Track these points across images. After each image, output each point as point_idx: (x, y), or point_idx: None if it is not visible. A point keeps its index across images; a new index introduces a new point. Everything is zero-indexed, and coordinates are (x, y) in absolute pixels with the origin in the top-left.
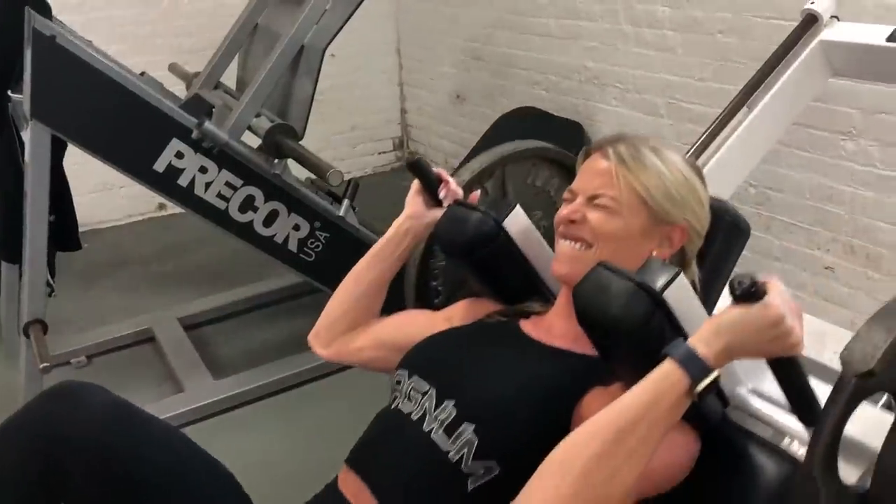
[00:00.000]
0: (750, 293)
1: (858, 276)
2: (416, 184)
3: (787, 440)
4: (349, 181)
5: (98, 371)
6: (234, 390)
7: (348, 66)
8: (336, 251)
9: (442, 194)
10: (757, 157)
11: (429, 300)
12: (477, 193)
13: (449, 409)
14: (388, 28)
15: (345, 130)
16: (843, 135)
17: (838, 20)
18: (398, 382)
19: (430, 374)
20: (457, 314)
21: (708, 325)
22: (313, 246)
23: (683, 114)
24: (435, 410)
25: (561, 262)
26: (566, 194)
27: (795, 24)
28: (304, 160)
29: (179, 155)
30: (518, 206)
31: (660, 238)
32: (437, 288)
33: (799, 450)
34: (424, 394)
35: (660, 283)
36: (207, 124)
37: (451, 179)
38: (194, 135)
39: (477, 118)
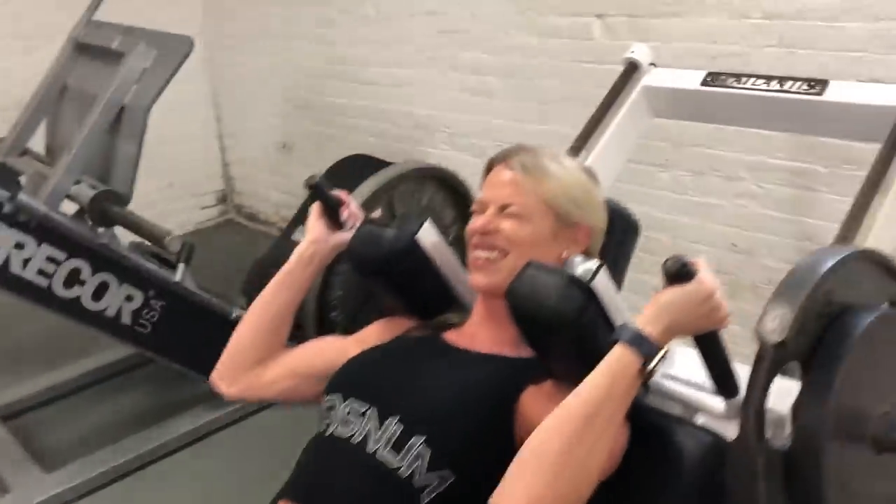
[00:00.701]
0: (683, 272)
1: None
2: (315, 207)
3: (698, 415)
4: (183, 243)
5: None
6: (70, 483)
7: (161, 121)
8: (174, 319)
9: (344, 216)
10: None
11: (329, 332)
12: (378, 212)
13: (394, 426)
14: (200, 80)
15: (162, 187)
16: (658, 166)
17: (655, 66)
18: (330, 408)
19: (366, 393)
20: (371, 335)
21: (649, 307)
22: (149, 316)
23: None
24: (379, 430)
25: (479, 272)
26: (475, 206)
27: (610, 66)
28: (138, 227)
29: None
30: (429, 221)
31: (567, 240)
32: (335, 318)
33: (710, 422)
34: (363, 414)
35: (587, 275)
36: (21, 196)
37: (351, 200)
38: (6, 209)
39: (306, 167)
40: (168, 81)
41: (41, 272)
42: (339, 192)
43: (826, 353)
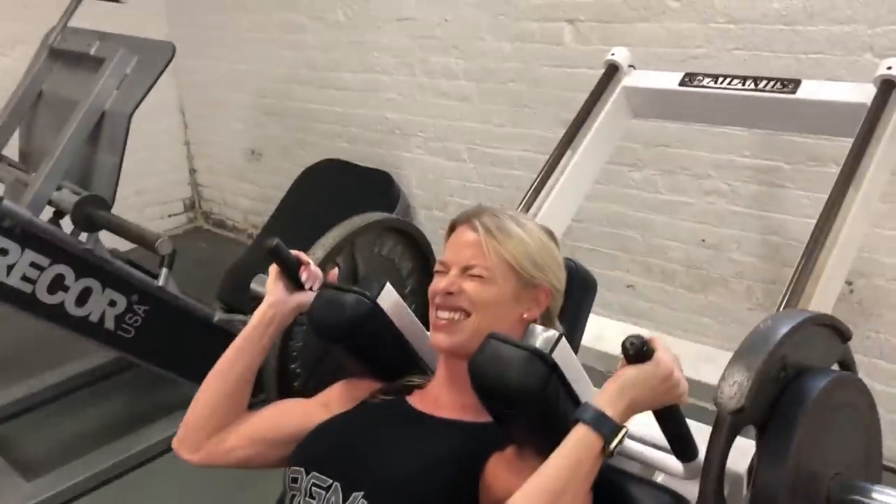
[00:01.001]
0: (642, 353)
1: (657, 290)
2: (274, 269)
3: (657, 474)
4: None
5: None
6: (52, 490)
7: None
8: (157, 324)
9: (304, 277)
10: (582, 194)
11: (289, 384)
12: (336, 272)
13: (359, 502)
14: (167, 86)
15: (129, 195)
16: (629, 166)
17: (634, 69)
18: (294, 480)
19: (330, 467)
20: (334, 399)
21: (609, 386)
22: (132, 321)
23: (485, 158)
24: None
25: (441, 332)
26: (438, 266)
27: (581, 70)
28: (125, 231)
29: None
30: (388, 283)
31: (528, 301)
32: (295, 370)
33: (670, 482)
34: (328, 489)
35: (548, 347)
36: (6, 202)
37: (310, 261)
38: None
39: (276, 173)
40: (150, 87)
41: (25, 278)
42: (297, 254)
43: (782, 417)
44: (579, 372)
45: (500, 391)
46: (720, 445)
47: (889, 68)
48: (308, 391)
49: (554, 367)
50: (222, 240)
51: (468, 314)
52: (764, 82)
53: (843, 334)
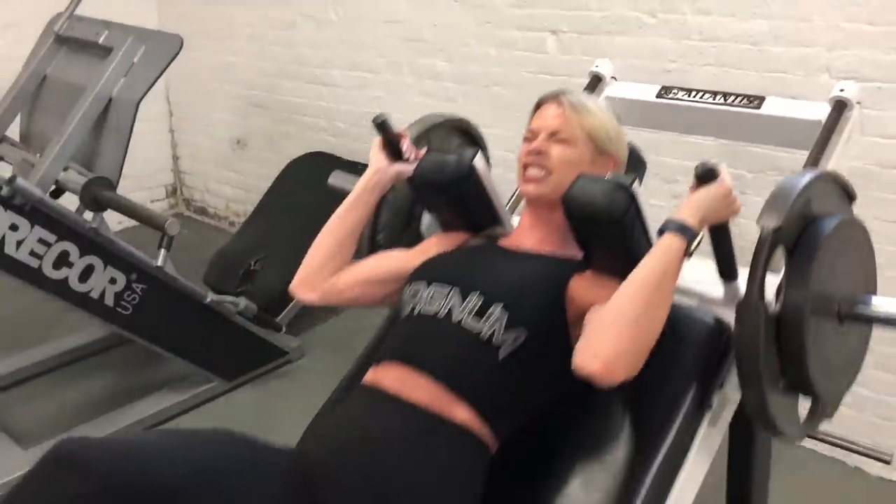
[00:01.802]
0: (709, 175)
1: None
2: (378, 141)
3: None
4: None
5: None
6: None
7: None
8: (154, 303)
9: (404, 147)
10: None
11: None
12: (425, 150)
13: (475, 299)
14: None
15: None
16: None
17: (616, 80)
18: (415, 294)
19: (449, 279)
20: (432, 245)
21: (687, 204)
22: (130, 299)
23: None
24: (462, 304)
25: (530, 184)
26: (527, 134)
27: (562, 78)
28: (133, 212)
29: None
30: (479, 152)
31: (601, 167)
32: (380, 241)
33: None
34: (447, 295)
35: (628, 182)
36: (19, 180)
37: (407, 136)
38: (4, 191)
39: (261, 164)
40: (158, 77)
41: (33, 253)
42: (399, 129)
43: (806, 244)
44: (644, 208)
45: (591, 214)
46: (764, 253)
47: (842, 90)
48: None
49: (633, 197)
50: (203, 226)
51: (552, 172)
52: (732, 97)
53: (850, 193)
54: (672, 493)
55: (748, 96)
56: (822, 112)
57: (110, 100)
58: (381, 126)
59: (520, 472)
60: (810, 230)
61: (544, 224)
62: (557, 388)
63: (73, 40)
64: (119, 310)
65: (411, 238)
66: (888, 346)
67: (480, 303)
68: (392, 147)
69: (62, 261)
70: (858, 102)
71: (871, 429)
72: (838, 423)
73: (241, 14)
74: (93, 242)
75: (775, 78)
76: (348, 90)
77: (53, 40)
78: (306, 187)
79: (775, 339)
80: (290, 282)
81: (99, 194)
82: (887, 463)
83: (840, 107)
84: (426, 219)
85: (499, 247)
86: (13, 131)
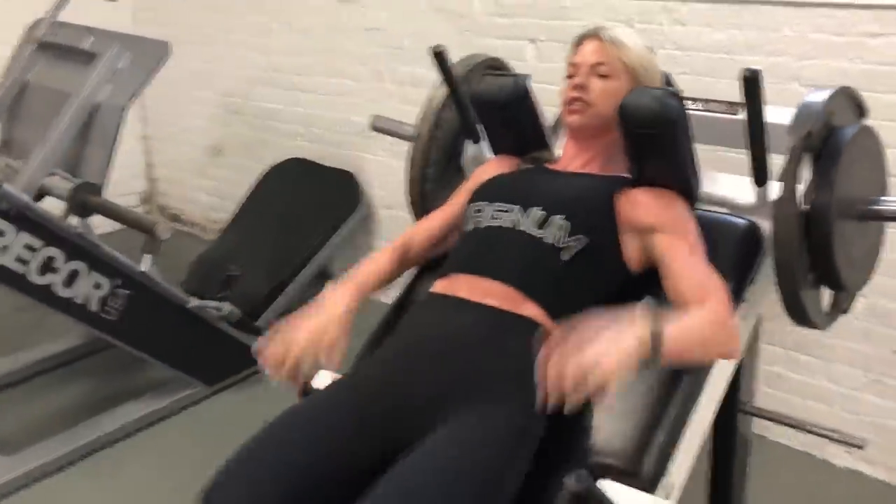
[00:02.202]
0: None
1: None
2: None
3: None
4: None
5: None
6: (34, 463)
7: None
8: (138, 308)
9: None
10: None
11: (425, 195)
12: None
13: (537, 212)
14: None
15: None
16: None
17: None
18: (478, 211)
19: (509, 197)
20: (485, 173)
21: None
22: (114, 304)
23: None
24: (524, 216)
25: (574, 115)
26: (569, 70)
27: (541, 86)
28: (121, 216)
29: None
30: (530, 76)
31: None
32: (429, 175)
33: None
34: (509, 210)
35: (678, 93)
36: (5, 186)
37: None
38: None
39: (237, 171)
40: (145, 83)
41: (19, 259)
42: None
43: (831, 149)
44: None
45: (646, 115)
46: (796, 157)
47: None
48: (437, 203)
49: (683, 104)
50: (178, 233)
51: (594, 104)
52: (713, 104)
53: (862, 108)
54: (711, 375)
55: (727, 102)
56: None
57: (96, 105)
58: (439, 56)
59: None
60: (833, 138)
61: (588, 150)
62: (609, 287)
63: (56, 46)
64: (104, 315)
65: (452, 173)
66: (854, 342)
67: (542, 215)
68: (449, 80)
69: (47, 266)
70: None
71: (840, 422)
72: (810, 416)
73: (217, 20)
74: (78, 247)
75: None
76: (327, 97)
77: (36, 47)
78: (285, 193)
79: (805, 237)
80: (269, 287)
81: (87, 199)
82: (860, 448)
83: None
84: (469, 150)
85: (549, 169)
86: None
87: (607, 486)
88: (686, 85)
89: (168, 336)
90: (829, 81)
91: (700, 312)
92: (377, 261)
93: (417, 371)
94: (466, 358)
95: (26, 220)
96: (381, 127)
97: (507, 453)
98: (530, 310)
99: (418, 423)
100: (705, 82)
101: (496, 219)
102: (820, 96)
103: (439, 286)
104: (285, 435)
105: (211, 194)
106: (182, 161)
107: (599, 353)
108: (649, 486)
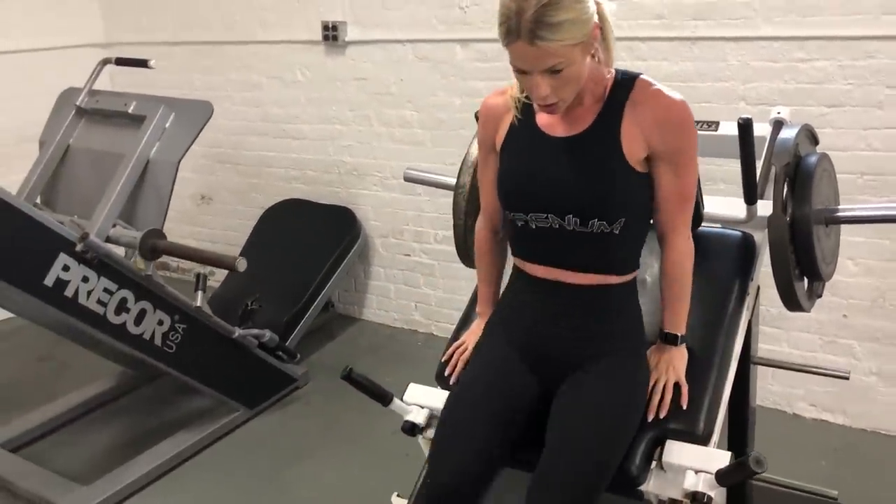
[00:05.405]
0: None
1: None
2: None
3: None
4: (197, 274)
5: None
6: (112, 489)
7: None
8: (193, 341)
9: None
10: None
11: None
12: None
13: (573, 218)
14: None
15: None
16: None
17: None
18: (521, 221)
19: (539, 207)
20: (488, 127)
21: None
22: (174, 338)
23: (438, 190)
24: (562, 223)
25: (550, 112)
26: (514, 67)
27: None
28: (199, 256)
29: (66, 268)
30: None
31: (590, 45)
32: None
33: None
34: (545, 219)
35: None
36: (92, 238)
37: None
38: (79, 248)
39: (227, 216)
40: (195, 138)
41: (99, 301)
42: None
43: (802, 173)
44: None
45: None
46: (782, 181)
47: (778, 112)
48: None
49: None
50: (168, 281)
51: (564, 99)
52: (697, 123)
53: (815, 138)
54: (735, 345)
55: (707, 122)
56: (766, 130)
57: (148, 162)
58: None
59: None
60: (803, 164)
61: (572, 110)
62: (651, 203)
63: (97, 112)
64: (165, 349)
65: None
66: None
67: (579, 220)
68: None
69: (122, 307)
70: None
71: (804, 379)
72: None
73: (201, 80)
74: (145, 289)
75: (702, 107)
76: (318, 141)
77: (75, 113)
78: (287, 231)
79: (791, 240)
80: (287, 315)
81: (156, 244)
82: (846, 379)
83: (778, 125)
84: None
85: (546, 137)
86: None
87: (675, 447)
88: None
89: (217, 364)
90: (769, 99)
91: (680, 261)
92: (486, 278)
93: (548, 336)
94: (579, 324)
95: (104, 266)
96: (414, 178)
97: (636, 400)
98: (612, 279)
99: (563, 370)
100: None
101: (542, 223)
102: (790, 133)
103: (529, 270)
104: (477, 388)
105: (201, 240)
106: (171, 212)
107: (678, 372)
108: (705, 440)
